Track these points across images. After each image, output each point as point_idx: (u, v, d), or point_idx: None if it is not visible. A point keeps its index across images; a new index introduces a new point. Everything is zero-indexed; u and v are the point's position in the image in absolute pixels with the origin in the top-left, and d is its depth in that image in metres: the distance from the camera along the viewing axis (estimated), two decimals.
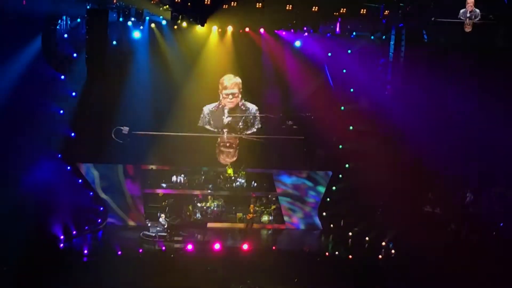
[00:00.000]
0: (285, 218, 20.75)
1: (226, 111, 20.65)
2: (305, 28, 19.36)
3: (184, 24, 18.74)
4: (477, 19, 14.88)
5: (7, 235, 15.77)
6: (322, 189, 20.90)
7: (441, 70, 18.81)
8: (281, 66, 20.58)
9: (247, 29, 19.67)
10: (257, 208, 20.40)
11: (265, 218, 20.41)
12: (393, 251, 18.15)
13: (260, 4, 17.82)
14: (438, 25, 16.98)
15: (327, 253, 18.17)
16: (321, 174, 20.95)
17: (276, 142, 20.84)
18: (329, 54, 20.35)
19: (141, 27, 19.29)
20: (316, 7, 18.01)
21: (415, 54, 18.82)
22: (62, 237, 17.55)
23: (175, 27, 19.18)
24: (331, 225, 20.40)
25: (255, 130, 20.91)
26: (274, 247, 18.67)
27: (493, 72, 18.27)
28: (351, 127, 20.29)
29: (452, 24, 15.64)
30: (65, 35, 18.75)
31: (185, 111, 20.26)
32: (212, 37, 19.86)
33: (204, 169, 20.93)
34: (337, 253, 18.34)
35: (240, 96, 20.70)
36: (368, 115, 19.80)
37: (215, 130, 20.78)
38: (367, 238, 19.16)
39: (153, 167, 20.76)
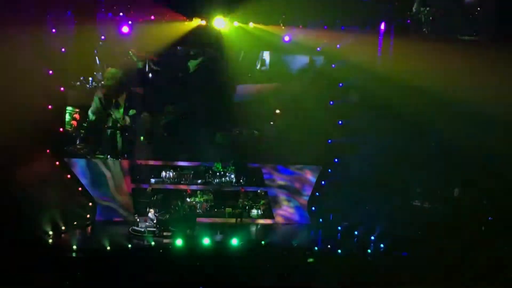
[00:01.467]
0: (281, 211, 20.81)
1: None
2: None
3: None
4: None
5: None
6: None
7: None
8: None
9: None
10: (246, 203, 20.44)
11: (254, 212, 20.48)
12: (382, 245, 18.17)
13: None
14: None
15: (316, 248, 18.16)
16: (313, 168, 21.08)
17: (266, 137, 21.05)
18: (318, 48, 20.38)
19: (130, 22, 19.23)
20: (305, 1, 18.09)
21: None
22: (50, 232, 17.48)
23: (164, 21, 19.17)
24: (320, 220, 20.45)
25: None
26: (263, 242, 18.63)
27: None
28: (339, 122, 20.41)
29: None
30: (54, 30, 18.69)
31: None
32: (202, 31, 19.82)
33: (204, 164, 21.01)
34: (329, 246, 18.32)
35: None
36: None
37: None
38: (356, 233, 19.20)
39: (151, 162, 20.82)
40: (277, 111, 21.49)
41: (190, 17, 18.79)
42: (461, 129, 18.68)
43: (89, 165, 19.97)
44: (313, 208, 20.75)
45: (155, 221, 18.48)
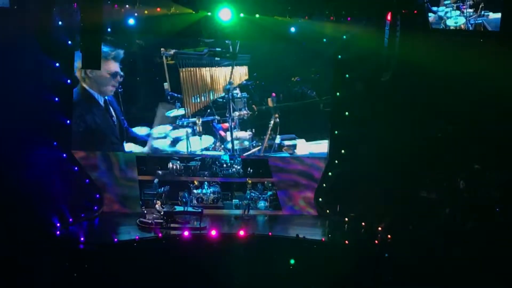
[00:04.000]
0: (288, 203, 20.89)
1: None
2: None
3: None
4: None
5: (3, 222, 15.76)
6: None
7: None
8: None
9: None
10: (253, 195, 20.46)
11: (261, 204, 20.50)
12: (389, 236, 18.14)
13: None
14: None
15: (323, 239, 18.13)
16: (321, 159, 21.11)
17: None
18: (324, 40, 20.32)
19: (136, 14, 19.21)
20: None
21: None
22: (58, 224, 17.53)
23: (169, 12, 19.11)
24: (327, 211, 20.45)
25: None
26: (270, 233, 18.60)
27: None
28: (346, 113, 20.40)
29: None
30: (60, 22, 18.69)
31: None
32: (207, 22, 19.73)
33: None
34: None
35: None
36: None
37: None
38: (363, 224, 19.16)
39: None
40: None
41: (196, 8, 18.74)
42: (470, 118, 18.72)
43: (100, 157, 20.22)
44: (320, 199, 20.75)
45: (162, 213, 18.51)
